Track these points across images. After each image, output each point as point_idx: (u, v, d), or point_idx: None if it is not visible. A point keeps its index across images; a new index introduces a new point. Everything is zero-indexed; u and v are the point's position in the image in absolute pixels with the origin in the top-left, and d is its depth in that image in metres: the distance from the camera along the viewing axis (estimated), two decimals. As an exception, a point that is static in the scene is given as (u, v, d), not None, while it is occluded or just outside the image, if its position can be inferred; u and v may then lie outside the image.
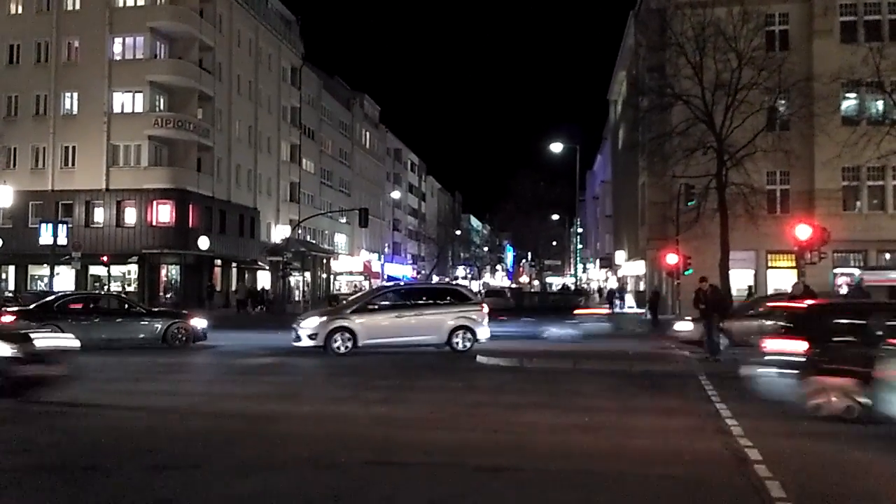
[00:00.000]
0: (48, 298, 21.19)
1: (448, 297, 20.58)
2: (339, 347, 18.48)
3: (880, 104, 31.32)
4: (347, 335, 18.54)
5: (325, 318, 19.22)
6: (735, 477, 7.17)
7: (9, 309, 21.99)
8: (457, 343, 19.23)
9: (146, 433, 9.11)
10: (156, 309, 21.41)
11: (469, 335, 19.34)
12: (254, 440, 8.70)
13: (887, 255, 33.38)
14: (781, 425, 9.72)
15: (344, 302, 26.07)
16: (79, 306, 20.70)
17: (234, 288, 47.97)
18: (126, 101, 43.82)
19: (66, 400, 11.03)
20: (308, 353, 18.58)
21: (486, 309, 20.35)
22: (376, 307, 19.51)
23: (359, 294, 30.18)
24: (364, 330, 18.70)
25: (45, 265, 35.64)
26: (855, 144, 28.34)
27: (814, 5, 33.32)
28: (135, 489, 6.61)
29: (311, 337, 18.65)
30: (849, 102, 32.80)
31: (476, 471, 7.36)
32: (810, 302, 12.47)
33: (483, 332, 19.58)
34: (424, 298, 20.48)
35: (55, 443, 8.45)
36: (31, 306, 20.33)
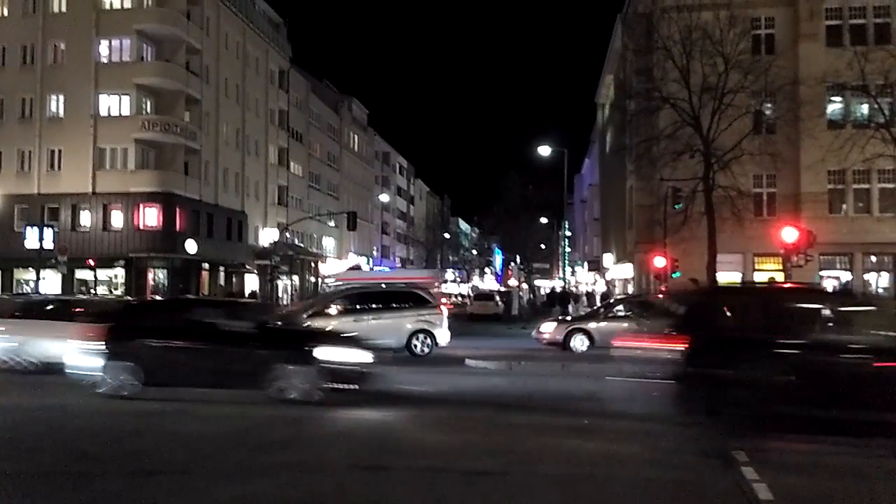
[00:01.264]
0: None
1: (407, 301, 20.26)
2: None
3: (865, 108, 31.47)
4: None
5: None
6: (723, 479, 7.19)
7: None
8: (416, 346, 19.05)
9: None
10: None
11: (428, 339, 19.17)
12: (236, 442, 8.64)
13: (873, 258, 33.58)
14: (770, 427, 9.75)
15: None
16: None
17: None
18: (112, 104, 43.55)
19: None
20: None
21: (445, 312, 20.28)
22: (334, 311, 19.26)
23: (316, 297, 29.95)
24: None
25: (31, 269, 35.39)
26: (840, 148, 28.49)
27: (800, 9, 33.49)
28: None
29: None
30: (834, 106, 32.98)
31: (464, 474, 7.34)
32: None
33: (443, 336, 19.41)
34: (383, 301, 20.16)
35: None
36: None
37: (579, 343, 20.15)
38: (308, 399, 10.81)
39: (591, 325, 20.48)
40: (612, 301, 27.41)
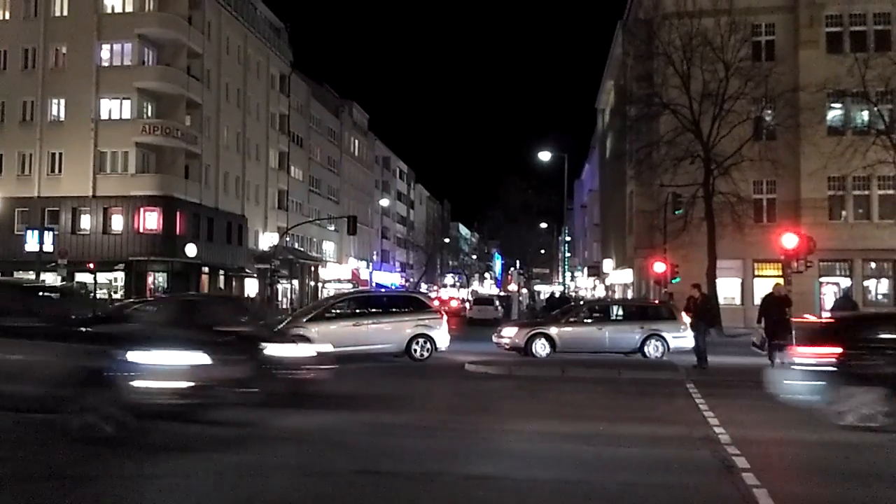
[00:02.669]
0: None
1: (407, 305, 20.21)
2: None
3: (865, 114, 31.56)
4: None
5: (279, 328, 18.55)
6: (723, 485, 7.18)
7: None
8: (415, 351, 18.89)
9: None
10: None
11: (428, 344, 18.99)
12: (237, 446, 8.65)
13: (873, 264, 33.61)
14: (769, 433, 9.76)
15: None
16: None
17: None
18: (113, 108, 43.57)
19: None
20: None
21: (445, 317, 20.21)
22: (333, 315, 19.09)
23: (315, 302, 29.86)
24: (320, 338, 17.76)
25: (31, 272, 35.37)
26: (841, 155, 28.57)
27: (800, 16, 33.54)
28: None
29: None
30: (834, 112, 33.03)
31: (465, 479, 7.34)
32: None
33: (442, 341, 19.29)
34: (383, 306, 20.14)
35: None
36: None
37: (540, 348, 19.70)
38: None
39: (553, 330, 20.02)
40: (573, 305, 27.19)
